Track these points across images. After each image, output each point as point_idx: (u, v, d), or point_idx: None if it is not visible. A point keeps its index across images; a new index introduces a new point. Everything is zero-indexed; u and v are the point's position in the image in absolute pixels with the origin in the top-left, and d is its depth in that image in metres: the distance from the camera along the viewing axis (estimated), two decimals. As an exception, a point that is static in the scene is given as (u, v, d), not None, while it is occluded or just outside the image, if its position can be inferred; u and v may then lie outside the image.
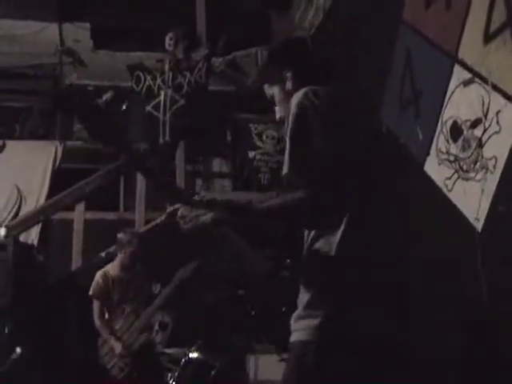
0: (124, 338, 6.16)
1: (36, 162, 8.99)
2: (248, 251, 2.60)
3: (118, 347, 6.08)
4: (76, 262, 7.50)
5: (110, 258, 7.17)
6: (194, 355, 4.85)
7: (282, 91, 2.70)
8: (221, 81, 9.61)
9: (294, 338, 2.45)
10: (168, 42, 8.43)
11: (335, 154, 2.37)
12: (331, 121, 2.39)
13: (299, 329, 2.42)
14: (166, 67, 8.39)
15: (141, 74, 8.48)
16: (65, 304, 7.08)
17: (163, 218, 7.71)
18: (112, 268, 6.46)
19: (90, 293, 6.31)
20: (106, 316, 6.33)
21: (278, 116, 2.68)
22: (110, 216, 8.49)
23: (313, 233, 2.48)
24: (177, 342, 6.17)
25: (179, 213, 2.62)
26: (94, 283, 6.34)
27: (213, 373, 4.63)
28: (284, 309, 5.20)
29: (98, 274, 6.37)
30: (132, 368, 5.96)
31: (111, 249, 7.41)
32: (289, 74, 2.69)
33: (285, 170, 2.42)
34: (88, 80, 10.69)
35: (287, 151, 2.42)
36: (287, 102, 2.54)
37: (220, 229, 2.61)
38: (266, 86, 2.81)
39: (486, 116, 4.89)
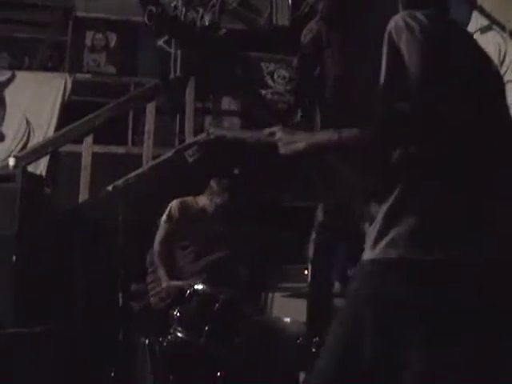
0: (176, 274, 6.09)
1: (45, 93, 8.96)
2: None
3: (165, 281, 6.00)
4: (83, 195, 7.52)
5: (116, 192, 7.21)
6: (198, 287, 4.88)
7: None
8: (232, 19, 9.51)
9: (363, 256, 2.37)
10: (182, -23, 8.30)
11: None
12: (426, 47, 2.28)
13: (367, 247, 2.34)
14: (180, 2, 8.26)
15: (153, 9, 8.37)
16: (71, 237, 7.12)
17: (171, 153, 7.73)
18: (192, 202, 6.35)
19: (163, 218, 6.19)
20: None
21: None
22: (118, 150, 8.48)
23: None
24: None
25: (277, 134, 2.51)
26: (168, 209, 6.22)
27: (217, 305, 4.67)
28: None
29: (176, 202, 6.25)
30: (172, 301, 5.89)
31: (118, 182, 7.43)
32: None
33: (380, 90, 2.34)
34: (99, 13, 10.59)
35: (383, 72, 2.35)
36: None
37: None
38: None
39: (502, 64, 4.86)
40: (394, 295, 2.23)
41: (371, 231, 2.37)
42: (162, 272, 6.09)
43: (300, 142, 2.44)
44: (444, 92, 2.25)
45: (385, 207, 2.34)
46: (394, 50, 2.32)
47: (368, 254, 2.34)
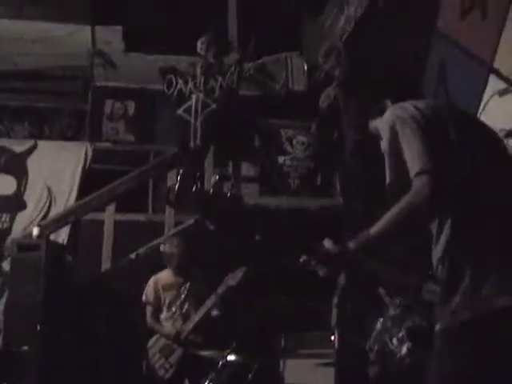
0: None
1: (66, 162, 9.05)
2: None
3: (172, 331, 6.26)
4: (106, 263, 7.56)
5: (139, 260, 7.28)
6: (231, 357, 4.88)
7: None
8: (249, 85, 9.66)
9: (435, 329, 2.44)
10: (200, 46, 8.49)
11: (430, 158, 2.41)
12: (418, 129, 2.46)
13: (437, 318, 2.43)
14: (198, 71, 8.44)
15: (173, 78, 8.55)
16: (94, 305, 7.14)
17: (192, 221, 7.76)
18: (164, 275, 6.64)
19: (143, 298, 6.55)
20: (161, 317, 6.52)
21: (382, 149, 2.70)
22: (140, 217, 8.53)
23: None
24: (214, 343, 6.19)
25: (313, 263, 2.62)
26: (145, 289, 6.58)
27: (250, 376, 4.66)
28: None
29: (150, 281, 6.60)
30: (176, 369, 6.07)
31: (140, 250, 7.47)
32: (388, 102, 2.81)
33: (388, 180, 2.52)
34: (118, 82, 10.77)
35: (386, 163, 2.53)
36: None
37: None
38: (370, 123, 2.94)
39: (521, 127, 4.91)
40: (480, 354, 2.28)
41: (436, 303, 2.50)
42: (163, 330, 6.35)
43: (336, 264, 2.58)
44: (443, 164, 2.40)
45: (441, 277, 2.43)
46: (392, 143, 2.50)
47: (438, 325, 2.42)
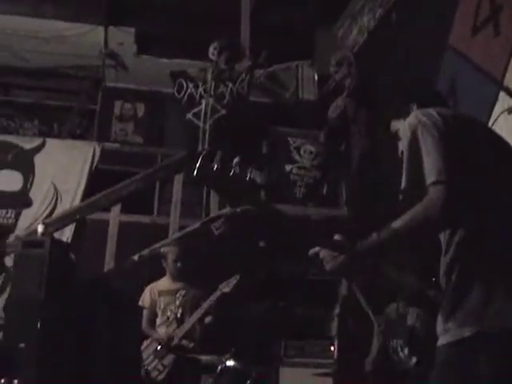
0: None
1: (74, 161, 9.06)
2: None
3: (164, 336, 6.36)
4: (109, 264, 7.55)
5: (142, 261, 7.30)
6: (230, 363, 4.89)
7: None
8: (258, 92, 9.68)
9: (438, 343, 2.44)
10: (212, 51, 8.47)
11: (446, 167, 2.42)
12: (439, 137, 2.48)
13: (441, 332, 2.42)
14: (209, 76, 8.43)
15: (183, 82, 8.54)
16: (95, 305, 7.14)
17: (197, 225, 7.76)
18: (161, 281, 6.74)
19: (140, 303, 6.67)
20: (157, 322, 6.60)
21: (400, 150, 2.73)
22: (145, 220, 8.52)
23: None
24: (213, 348, 6.19)
25: (321, 254, 2.66)
26: (142, 295, 6.70)
27: (248, 382, 4.67)
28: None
29: (147, 288, 6.71)
30: (169, 371, 6.14)
31: (144, 252, 7.48)
32: (414, 106, 2.87)
33: (402, 185, 2.53)
34: (128, 83, 10.82)
35: (403, 168, 2.54)
36: None
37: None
38: (392, 123, 3.00)
39: (530, 145, 4.91)
40: (482, 372, 2.26)
41: (440, 316, 2.45)
42: (155, 335, 6.45)
43: (340, 257, 2.58)
44: (459, 175, 2.41)
45: (447, 290, 2.44)
46: (412, 146, 2.52)
47: (442, 339, 2.41)
